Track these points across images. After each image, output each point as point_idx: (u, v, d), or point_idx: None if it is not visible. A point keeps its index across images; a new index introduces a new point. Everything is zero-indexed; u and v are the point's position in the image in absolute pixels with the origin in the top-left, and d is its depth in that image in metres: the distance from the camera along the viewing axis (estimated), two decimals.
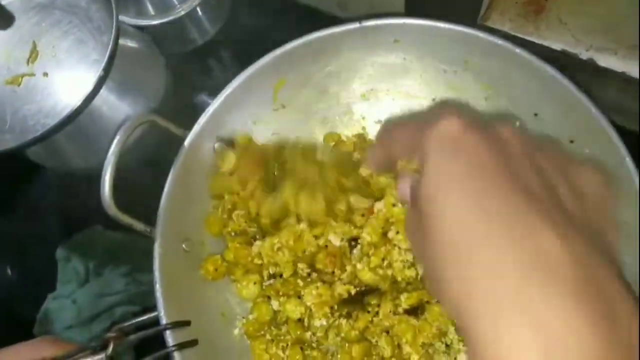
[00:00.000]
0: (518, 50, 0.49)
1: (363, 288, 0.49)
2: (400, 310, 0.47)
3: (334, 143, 0.57)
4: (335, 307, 0.48)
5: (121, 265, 0.64)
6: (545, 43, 0.51)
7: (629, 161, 0.45)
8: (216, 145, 0.54)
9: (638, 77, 0.50)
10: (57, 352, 0.44)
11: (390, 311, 0.47)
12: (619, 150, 0.45)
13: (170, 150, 0.51)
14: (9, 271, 0.69)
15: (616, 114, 0.53)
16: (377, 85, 0.57)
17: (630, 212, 0.44)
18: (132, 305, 0.62)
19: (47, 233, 0.69)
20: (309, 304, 0.48)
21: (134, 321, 0.46)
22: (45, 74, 0.50)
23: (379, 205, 0.49)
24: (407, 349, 0.46)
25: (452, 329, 0.49)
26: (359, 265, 0.48)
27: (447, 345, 0.49)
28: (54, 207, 0.71)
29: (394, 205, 0.48)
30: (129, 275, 0.63)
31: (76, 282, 0.63)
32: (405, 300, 0.47)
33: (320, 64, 0.55)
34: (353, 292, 0.48)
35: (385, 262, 0.48)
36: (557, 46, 0.50)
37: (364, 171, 0.48)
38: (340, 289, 0.48)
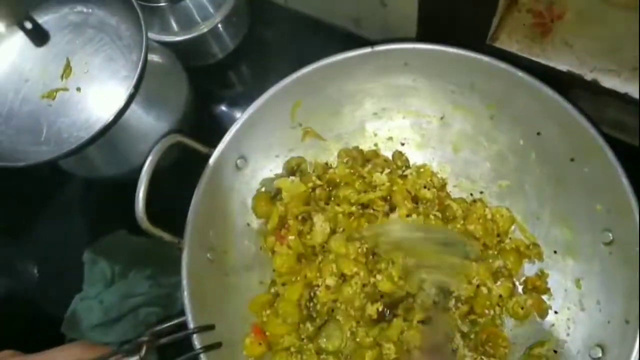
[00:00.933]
0: (520, 73, 0.52)
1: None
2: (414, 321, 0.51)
3: (347, 159, 0.60)
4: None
5: (145, 269, 0.66)
6: (551, 64, 0.52)
7: (624, 181, 0.48)
8: (238, 161, 0.58)
9: (638, 97, 0.52)
10: (91, 355, 0.46)
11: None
12: (615, 170, 0.48)
13: (190, 160, 0.54)
14: (35, 272, 0.73)
15: (618, 131, 0.56)
16: (388, 104, 0.60)
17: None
18: (155, 307, 0.64)
19: (73, 237, 0.71)
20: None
21: (165, 325, 0.49)
22: (79, 89, 0.53)
23: None
24: (416, 353, 0.50)
25: (458, 335, 0.52)
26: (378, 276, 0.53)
27: (453, 351, 0.52)
28: (82, 212, 0.74)
29: None
30: (152, 278, 0.65)
31: (103, 284, 0.66)
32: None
33: (335, 86, 0.58)
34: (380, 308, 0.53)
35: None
36: (562, 67, 0.52)
37: None
38: (370, 310, 0.52)
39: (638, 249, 0.46)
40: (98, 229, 0.69)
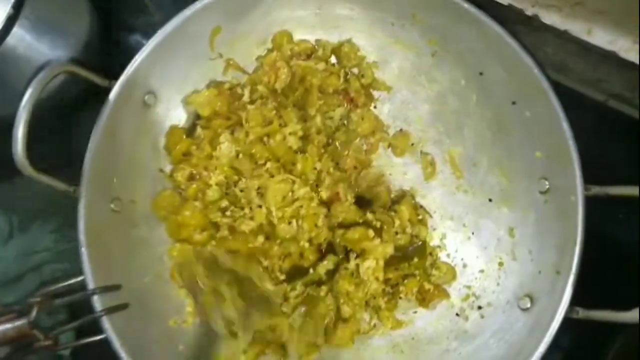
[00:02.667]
0: (467, 5, 0.47)
1: None
2: None
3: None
4: None
5: (50, 221, 0.59)
6: None
7: (565, 126, 0.46)
8: (146, 97, 0.50)
9: (578, 35, 0.49)
10: None
11: None
12: (557, 115, 0.46)
13: (97, 100, 0.47)
14: None
15: (555, 71, 0.54)
16: (321, 36, 0.54)
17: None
18: (62, 263, 0.58)
19: None
20: None
21: (59, 285, 0.44)
22: None
23: None
24: None
25: None
26: None
27: None
28: None
29: None
30: (58, 231, 0.59)
31: None
32: None
33: (261, 11, 0.51)
34: None
35: None
36: (504, 1, 0.49)
37: None
38: None
39: (573, 198, 0.45)
40: None
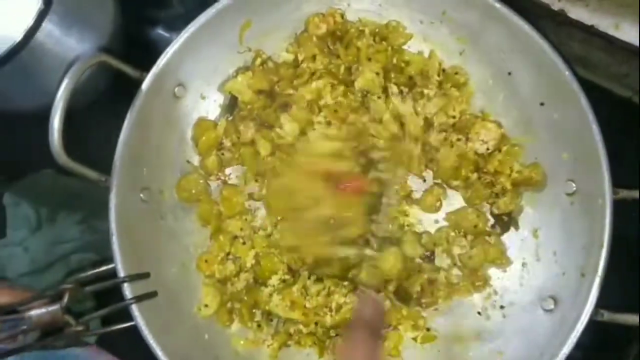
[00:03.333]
0: (497, 4, 0.47)
1: None
2: None
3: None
4: None
5: (76, 212, 0.61)
6: None
7: (595, 128, 0.45)
8: (176, 89, 0.51)
9: (604, 30, 0.49)
10: (12, 298, 0.43)
11: None
12: (587, 117, 0.45)
13: (128, 92, 0.48)
14: None
15: (580, 66, 0.53)
16: None
17: None
18: (88, 253, 0.59)
19: None
20: None
21: (90, 272, 0.45)
22: None
23: None
24: None
25: None
26: None
27: None
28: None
29: None
30: (84, 222, 0.60)
31: (27, 229, 0.60)
32: None
33: (292, 5, 0.51)
34: None
35: None
36: None
37: None
38: None
39: (601, 201, 0.44)
40: (20, 169, 0.63)
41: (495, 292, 0.51)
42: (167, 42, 0.53)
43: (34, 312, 0.42)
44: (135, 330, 0.45)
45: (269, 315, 0.51)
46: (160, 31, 0.62)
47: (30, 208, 0.61)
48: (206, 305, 0.50)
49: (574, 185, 0.48)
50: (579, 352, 0.52)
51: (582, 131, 0.46)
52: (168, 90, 0.50)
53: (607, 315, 0.43)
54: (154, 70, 0.48)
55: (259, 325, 0.51)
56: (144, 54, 0.51)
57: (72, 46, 0.50)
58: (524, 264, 0.51)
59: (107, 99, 0.57)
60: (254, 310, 0.51)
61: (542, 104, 0.49)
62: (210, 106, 0.54)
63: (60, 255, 0.59)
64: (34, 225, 0.60)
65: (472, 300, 0.52)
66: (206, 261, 0.52)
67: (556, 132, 0.49)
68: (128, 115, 0.47)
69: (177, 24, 0.60)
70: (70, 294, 0.43)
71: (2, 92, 0.52)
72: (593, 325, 0.44)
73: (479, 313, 0.51)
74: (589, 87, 0.47)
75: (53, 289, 0.44)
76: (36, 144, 0.63)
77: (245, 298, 0.51)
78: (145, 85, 0.47)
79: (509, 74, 0.51)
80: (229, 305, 0.51)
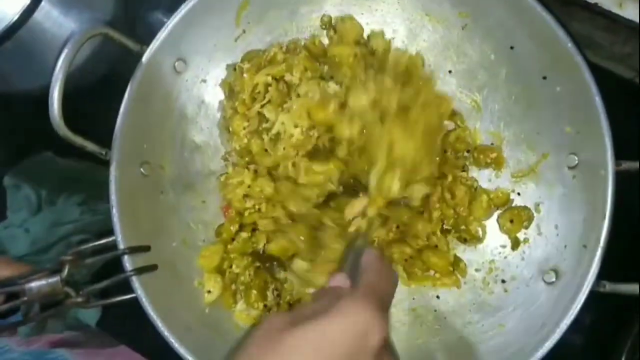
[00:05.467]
0: None
1: None
2: None
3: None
4: None
5: (75, 194, 0.61)
6: None
7: (598, 100, 0.45)
8: (176, 63, 0.51)
9: (609, 8, 0.48)
10: (12, 272, 0.43)
11: None
12: (589, 89, 0.45)
13: (127, 69, 0.47)
14: None
15: (584, 47, 0.52)
16: (351, 8, 0.54)
17: None
18: (89, 234, 0.59)
19: None
20: None
21: (90, 245, 0.45)
22: None
23: None
24: None
25: None
26: None
27: None
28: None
29: None
30: (84, 204, 0.60)
31: (28, 211, 0.60)
32: None
33: None
34: None
35: None
36: None
37: None
38: None
39: (603, 172, 0.44)
40: (20, 151, 0.63)
41: (497, 267, 0.51)
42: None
43: (34, 284, 0.42)
44: (133, 312, 0.45)
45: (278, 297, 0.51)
46: (159, 16, 0.62)
47: (30, 190, 0.61)
48: (209, 291, 0.50)
49: (576, 158, 0.47)
50: (580, 332, 0.53)
51: (585, 104, 0.46)
52: (168, 64, 0.50)
53: (609, 286, 0.43)
54: (155, 43, 0.48)
55: (265, 306, 0.51)
56: (145, 37, 0.50)
57: (71, 26, 0.50)
58: (525, 239, 0.51)
59: (108, 81, 0.57)
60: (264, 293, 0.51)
61: (544, 77, 0.49)
62: (211, 82, 0.54)
63: (60, 237, 0.59)
64: (35, 207, 0.61)
65: (473, 276, 0.52)
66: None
67: (558, 106, 0.48)
68: (128, 88, 0.47)
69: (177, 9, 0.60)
70: (70, 265, 0.43)
71: (4, 74, 0.52)
72: (594, 301, 0.43)
73: (480, 288, 0.51)
74: (591, 67, 0.46)
75: (53, 262, 0.44)
76: (36, 126, 0.64)
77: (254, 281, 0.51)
78: (145, 57, 0.47)
79: (511, 48, 0.50)
80: (233, 287, 0.51)
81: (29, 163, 0.62)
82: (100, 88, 0.56)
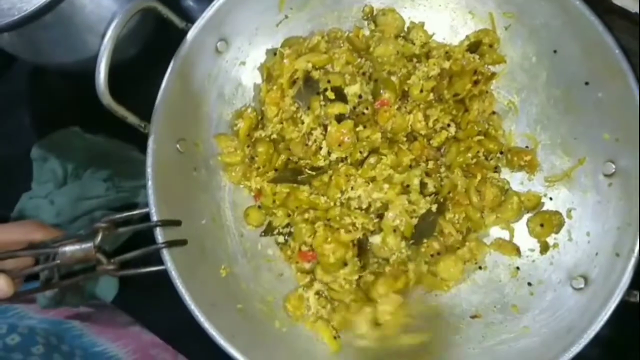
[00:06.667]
0: None
1: None
2: None
3: None
4: None
5: (101, 170, 0.61)
6: None
7: None
8: (218, 43, 0.51)
9: None
10: (45, 236, 0.44)
11: None
12: (634, 96, 0.45)
13: (168, 45, 0.48)
14: None
15: None
16: (394, 0, 0.54)
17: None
18: (112, 211, 0.59)
19: (21, 131, 0.65)
20: None
21: (125, 214, 0.45)
22: None
23: None
24: None
25: None
26: None
27: None
28: (30, 103, 0.66)
29: None
30: (109, 180, 0.61)
31: (54, 183, 0.60)
32: None
33: None
34: None
35: None
36: None
37: None
38: None
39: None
40: (48, 123, 0.63)
41: (524, 270, 0.51)
42: (196, 13, 0.53)
43: (68, 248, 0.42)
44: (149, 291, 0.45)
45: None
46: (191, 2, 0.63)
47: (57, 163, 0.61)
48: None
49: (613, 166, 0.47)
50: (597, 349, 0.52)
51: (626, 111, 0.45)
52: (211, 43, 0.50)
53: None
54: (200, 21, 0.48)
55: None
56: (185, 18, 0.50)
57: (110, 5, 0.51)
58: (555, 244, 0.50)
59: (149, 55, 0.57)
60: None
61: (587, 83, 0.48)
62: (251, 64, 0.54)
63: (85, 211, 0.60)
64: (60, 180, 0.61)
65: (499, 277, 0.51)
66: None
67: (598, 112, 0.48)
68: (171, 64, 0.47)
69: None
70: (103, 233, 0.43)
71: (41, 45, 0.53)
72: (614, 316, 0.43)
73: (505, 289, 0.51)
74: None
75: (87, 228, 0.44)
76: (67, 100, 0.64)
77: None
78: (189, 35, 0.47)
79: (555, 51, 0.50)
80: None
81: (56, 136, 0.62)
82: (132, 65, 0.57)
